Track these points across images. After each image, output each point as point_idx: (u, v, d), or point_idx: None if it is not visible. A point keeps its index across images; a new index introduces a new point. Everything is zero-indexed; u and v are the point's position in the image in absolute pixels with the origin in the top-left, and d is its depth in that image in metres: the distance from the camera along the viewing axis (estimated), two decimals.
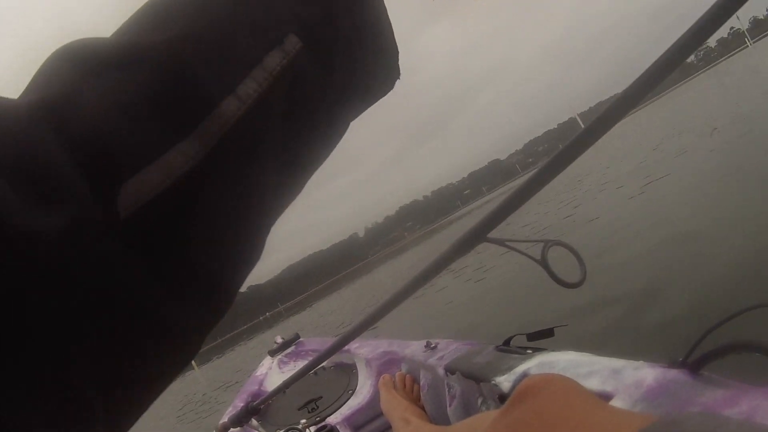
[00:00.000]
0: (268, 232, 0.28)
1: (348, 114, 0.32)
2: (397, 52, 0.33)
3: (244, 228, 0.26)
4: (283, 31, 0.26)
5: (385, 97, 0.34)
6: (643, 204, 5.68)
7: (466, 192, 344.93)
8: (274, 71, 0.25)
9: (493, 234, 0.70)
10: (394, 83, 0.34)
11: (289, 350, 2.71)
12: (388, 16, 0.32)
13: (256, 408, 1.60)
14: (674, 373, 0.65)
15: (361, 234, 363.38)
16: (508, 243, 0.70)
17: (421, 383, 1.42)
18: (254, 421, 1.58)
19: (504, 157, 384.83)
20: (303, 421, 1.36)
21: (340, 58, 0.28)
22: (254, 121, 0.24)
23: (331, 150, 0.32)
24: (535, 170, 0.68)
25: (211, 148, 0.23)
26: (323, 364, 1.96)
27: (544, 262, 0.63)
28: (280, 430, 1.32)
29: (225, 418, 1.84)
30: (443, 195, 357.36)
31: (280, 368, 2.57)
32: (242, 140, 0.24)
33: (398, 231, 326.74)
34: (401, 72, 0.34)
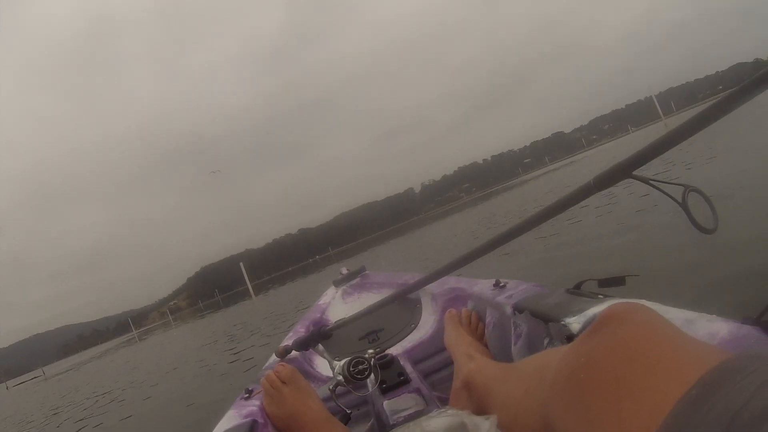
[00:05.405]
0: None
1: None
2: None
3: None
4: None
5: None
6: None
7: (526, 160, 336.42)
8: None
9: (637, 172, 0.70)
10: None
11: (354, 281, 2.74)
12: None
13: (328, 333, 1.60)
14: (747, 329, 0.64)
15: (417, 190, 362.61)
16: (652, 182, 0.68)
17: (487, 321, 1.39)
18: (320, 346, 1.63)
19: (568, 130, 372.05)
20: (370, 351, 1.37)
21: None
22: None
23: None
24: (691, 117, 0.65)
25: None
26: (387, 296, 1.99)
27: (684, 205, 0.63)
28: (346, 357, 1.34)
29: (288, 342, 1.85)
30: (503, 160, 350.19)
31: (343, 299, 2.62)
32: None
33: (454, 191, 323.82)
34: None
